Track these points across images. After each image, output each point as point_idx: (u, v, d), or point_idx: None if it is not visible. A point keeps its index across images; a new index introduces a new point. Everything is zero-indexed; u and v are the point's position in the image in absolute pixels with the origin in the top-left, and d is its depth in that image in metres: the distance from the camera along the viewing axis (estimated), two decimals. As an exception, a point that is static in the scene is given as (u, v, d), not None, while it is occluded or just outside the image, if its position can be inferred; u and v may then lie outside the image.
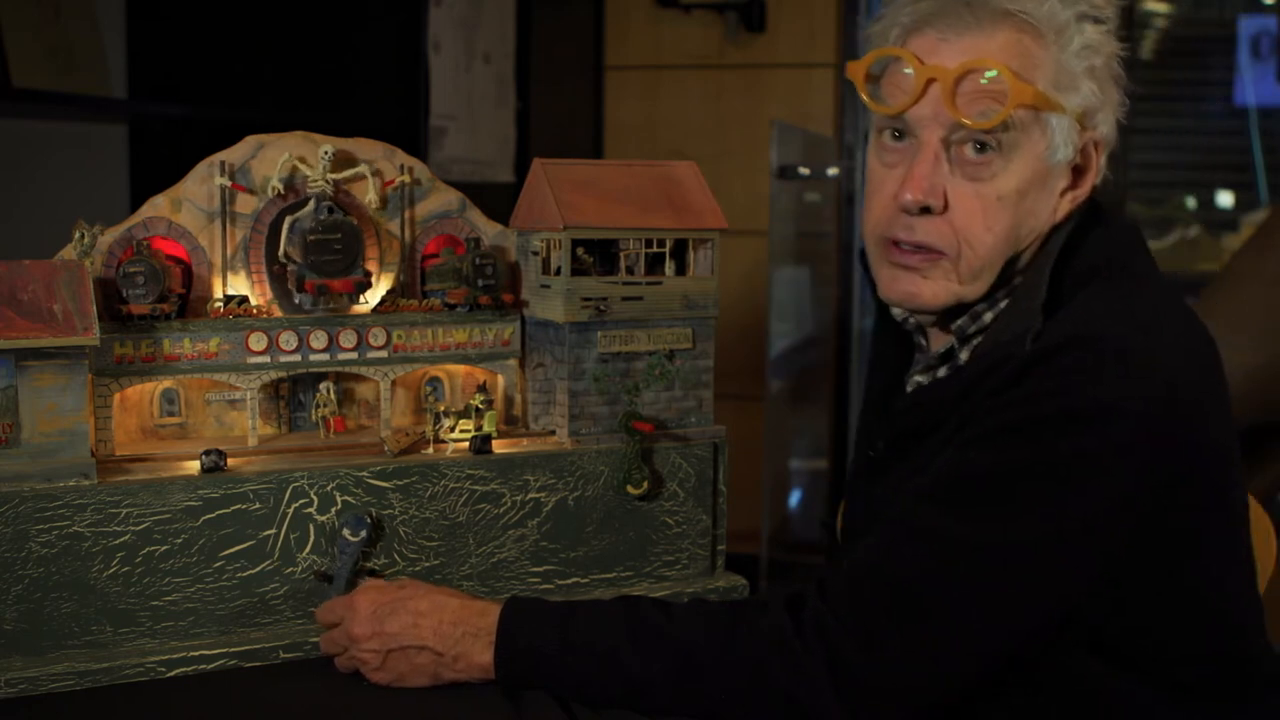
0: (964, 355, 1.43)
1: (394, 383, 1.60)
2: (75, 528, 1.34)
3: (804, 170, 3.46)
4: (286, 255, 1.53)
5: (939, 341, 1.48)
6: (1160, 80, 4.21)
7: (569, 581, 1.57)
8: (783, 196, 3.50)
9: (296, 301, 1.55)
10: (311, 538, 1.44)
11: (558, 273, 1.57)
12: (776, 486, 3.74)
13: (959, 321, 1.43)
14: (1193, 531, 1.32)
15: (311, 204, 1.54)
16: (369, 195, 1.57)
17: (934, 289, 1.39)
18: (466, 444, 1.54)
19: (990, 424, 1.30)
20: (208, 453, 1.43)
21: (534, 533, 1.55)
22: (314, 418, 1.59)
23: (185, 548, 1.39)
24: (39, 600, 1.34)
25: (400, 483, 1.48)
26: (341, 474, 1.45)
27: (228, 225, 1.54)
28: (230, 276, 1.54)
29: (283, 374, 1.55)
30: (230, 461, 1.44)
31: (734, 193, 3.54)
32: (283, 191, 1.54)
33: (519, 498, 1.53)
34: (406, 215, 1.62)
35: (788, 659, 1.27)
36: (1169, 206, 4.23)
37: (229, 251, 1.54)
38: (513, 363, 1.65)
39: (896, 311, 1.52)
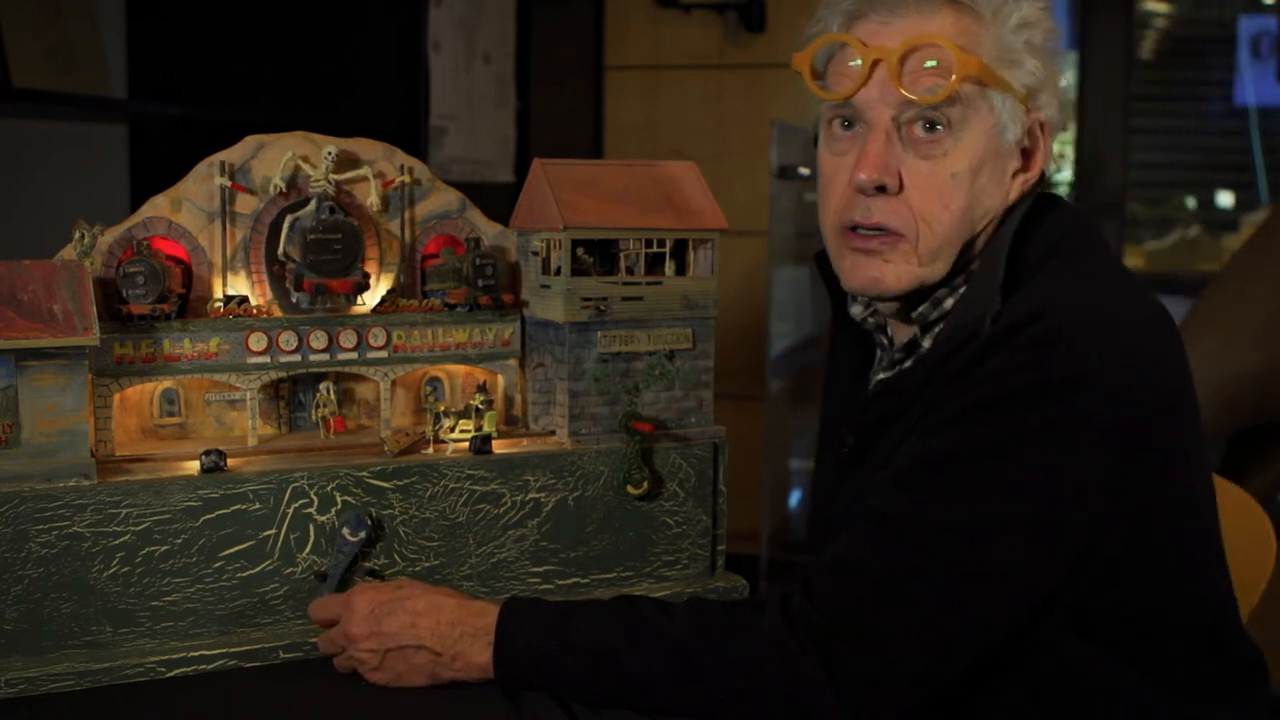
0: (927, 343, 1.44)
1: (394, 383, 1.60)
2: (75, 528, 1.34)
3: (804, 170, 3.46)
4: (286, 254, 1.53)
5: (902, 334, 1.49)
6: (1160, 80, 4.21)
7: (569, 581, 1.57)
8: (783, 196, 3.50)
9: (294, 300, 1.55)
10: (311, 538, 1.44)
11: (558, 273, 1.57)
12: (776, 486, 3.74)
13: (920, 309, 1.44)
14: (1166, 505, 1.33)
15: (313, 204, 1.54)
16: (371, 197, 1.57)
17: (896, 273, 1.40)
18: (466, 444, 1.54)
19: (957, 405, 1.31)
20: (208, 453, 1.43)
21: (534, 533, 1.55)
22: (314, 418, 1.59)
23: (185, 548, 1.39)
24: (39, 600, 1.34)
25: (400, 483, 1.48)
26: (341, 474, 1.45)
27: (228, 225, 1.54)
28: (230, 276, 1.54)
29: (283, 374, 1.55)
30: (230, 461, 1.44)
31: (734, 193, 3.54)
32: (284, 190, 1.54)
33: (519, 498, 1.53)
34: (406, 215, 1.62)
35: (785, 659, 1.27)
36: (1169, 206, 4.23)
37: (229, 251, 1.54)
38: (513, 363, 1.65)
39: (855, 310, 1.53)
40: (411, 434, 1.55)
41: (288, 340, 1.53)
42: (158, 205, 1.52)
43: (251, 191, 1.54)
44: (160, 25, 3.05)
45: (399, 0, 3.02)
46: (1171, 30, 4.22)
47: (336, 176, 1.55)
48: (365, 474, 1.46)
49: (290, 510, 1.43)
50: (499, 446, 1.55)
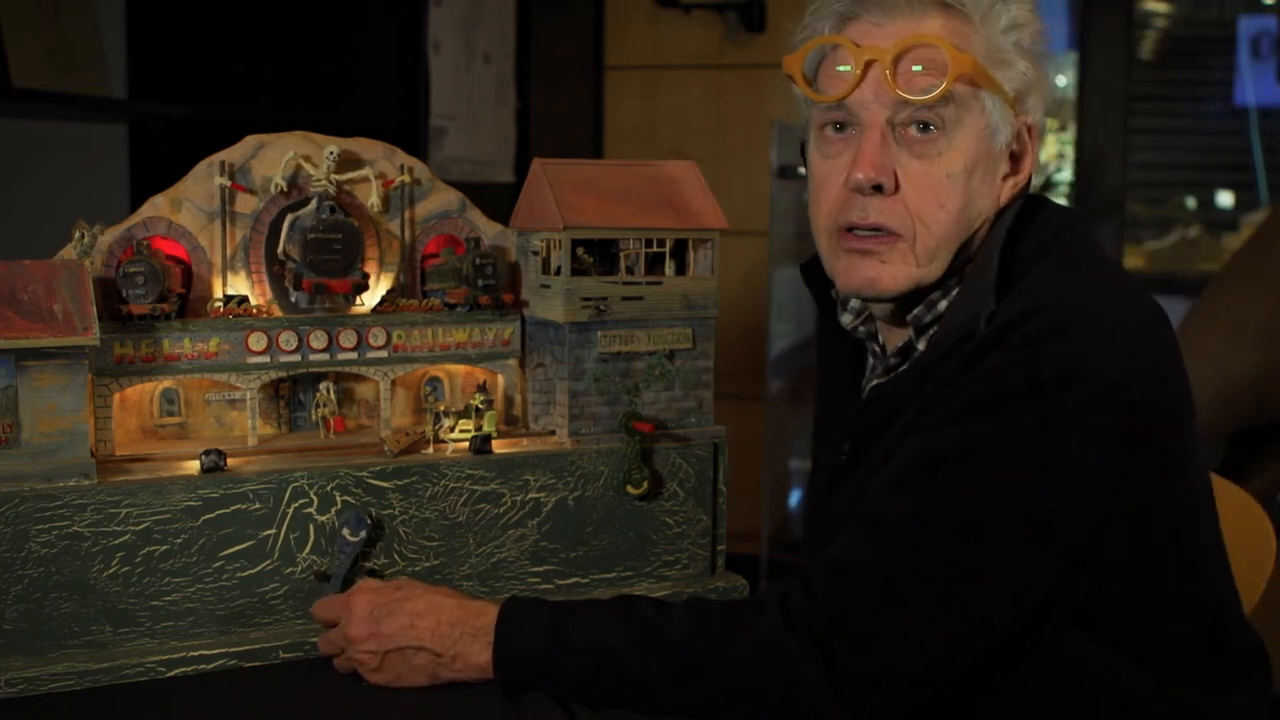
0: (921, 345, 1.44)
1: (394, 383, 1.60)
2: (75, 528, 1.34)
3: (804, 170, 3.46)
4: (285, 253, 1.53)
5: (895, 339, 1.48)
6: (1160, 80, 4.21)
7: (569, 581, 1.57)
8: (783, 196, 3.50)
9: (293, 299, 1.55)
10: (311, 538, 1.44)
11: (558, 273, 1.57)
12: (776, 486, 3.74)
13: (915, 311, 1.44)
14: (1164, 499, 1.33)
15: (313, 203, 1.54)
16: (371, 197, 1.57)
17: (893, 273, 1.40)
18: (466, 444, 1.54)
19: (953, 404, 1.31)
20: (208, 453, 1.43)
21: (534, 533, 1.55)
22: (314, 418, 1.59)
23: (185, 548, 1.39)
24: (39, 600, 1.34)
25: (400, 483, 1.48)
26: (341, 474, 1.45)
27: (228, 225, 1.54)
28: (230, 276, 1.54)
29: (283, 374, 1.55)
30: (230, 461, 1.44)
31: (734, 193, 3.54)
32: (285, 190, 1.54)
33: (519, 498, 1.53)
34: (406, 215, 1.62)
35: (785, 659, 1.27)
36: (1169, 206, 4.23)
37: (229, 251, 1.54)
38: (513, 363, 1.65)
39: (846, 320, 1.53)
40: (411, 434, 1.55)
41: (288, 340, 1.53)
42: (158, 205, 1.52)
43: (251, 191, 1.54)
44: (160, 25, 3.05)
45: (399, 0, 3.02)
46: (1171, 30, 4.22)
47: (338, 176, 1.55)
48: (365, 474, 1.46)
49: (290, 510, 1.43)
50: (499, 446, 1.55)
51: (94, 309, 1.35)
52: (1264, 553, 1.71)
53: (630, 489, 1.58)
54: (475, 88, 3.30)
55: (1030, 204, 1.45)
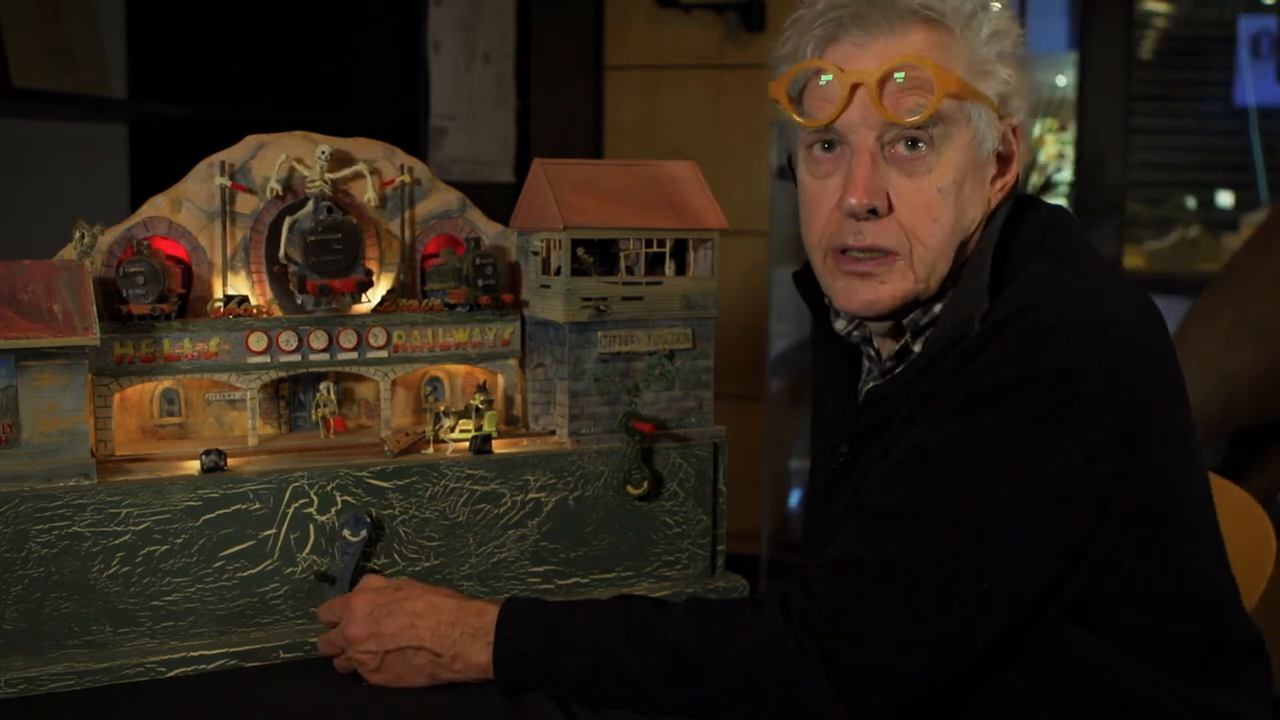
0: (918, 348, 1.45)
1: (394, 383, 1.60)
2: (75, 528, 1.34)
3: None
4: (287, 256, 1.53)
5: (891, 343, 1.49)
6: (1160, 80, 4.21)
7: (569, 581, 1.57)
8: (783, 196, 3.50)
9: (299, 302, 1.55)
10: (311, 538, 1.44)
11: (558, 273, 1.57)
12: (776, 486, 3.74)
13: (910, 316, 1.44)
14: (1161, 495, 1.34)
15: (310, 204, 1.54)
16: (368, 194, 1.57)
17: (892, 291, 1.41)
18: (466, 444, 1.54)
19: (948, 400, 1.31)
20: (208, 453, 1.43)
21: (534, 533, 1.55)
22: (314, 418, 1.59)
23: (185, 548, 1.39)
24: (39, 600, 1.34)
25: (400, 483, 1.48)
26: (341, 474, 1.45)
27: (228, 225, 1.54)
28: (230, 276, 1.54)
29: (283, 374, 1.55)
30: (230, 461, 1.44)
31: (734, 193, 3.54)
32: (281, 193, 1.54)
33: (519, 498, 1.53)
34: (406, 215, 1.62)
35: (785, 658, 1.27)
36: (1169, 206, 4.23)
37: (229, 251, 1.54)
38: (513, 363, 1.65)
39: (840, 325, 1.54)
40: (411, 434, 1.55)
41: (288, 340, 1.53)
42: (158, 205, 1.52)
43: (251, 191, 1.54)
44: (160, 25, 3.05)
45: (399, 0, 3.02)
46: (1171, 30, 4.22)
47: (332, 175, 1.55)
48: (365, 474, 1.46)
49: (290, 510, 1.43)
50: (499, 446, 1.55)
51: (94, 309, 1.35)
52: (1264, 553, 1.71)
53: (630, 489, 1.58)
54: (475, 88, 3.30)
55: (1021, 204, 1.46)
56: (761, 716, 1.29)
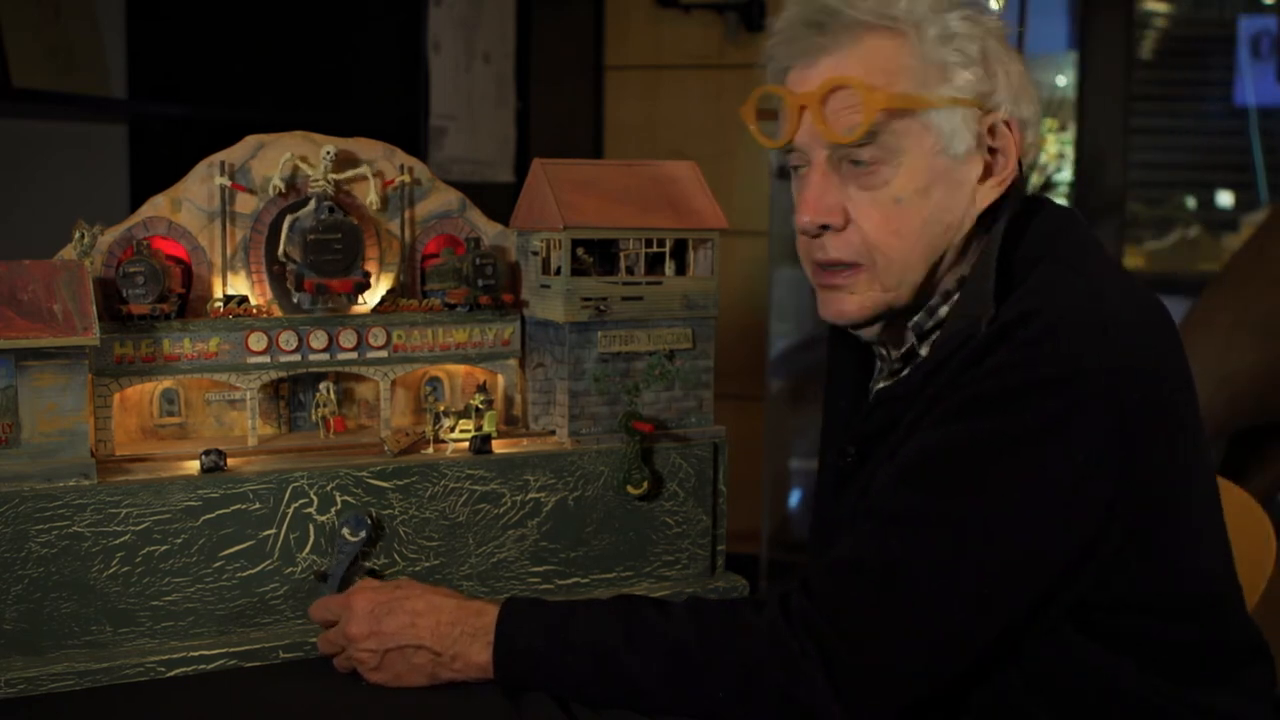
0: (924, 351, 1.45)
1: (394, 383, 1.60)
2: (75, 528, 1.34)
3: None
4: (286, 254, 1.53)
5: (900, 344, 1.49)
6: (1160, 80, 4.21)
7: (569, 581, 1.57)
8: (783, 196, 3.50)
9: (295, 301, 1.55)
10: (311, 538, 1.44)
11: (558, 273, 1.57)
12: (776, 486, 3.74)
13: (916, 319, 1.46)
14: (1165, 497, 1.33)
15: (312, 204, 1.54)
16: (370, 196, 1.57)
17: (860, 302, 1.43)
18: (466, 444, 1.54)
19: (953, 403, 1.32)
20: (208, 453, 1.43)
21: (534, 533, 1.55)
22: (314, 418, 1.59)
23: (185, 548, 1.39)
24: (39, 600, 1.34)
25: (400, 483, 1.48)
26: (341, 474, 1.45)
27: (228, 225, 1.54)
28: (230, 276, 1.54)
29: (283, 374, 1.55)
30: (230, 461, 1.44)
31: (734, 193, 3.54)
32: (283, 191, 1.54)
33: (519, 498, 1.53)
34: (406, 215, 1.62)
35: (785, 658, 1.27)
36: (1169, 206, 4.23)
37: (229, 251, 1.54)
38: (513, 363, 1.65)
39: None
40: (411, 434, 1.55)
41: (288, 340, 1.53)
42: (158, 205, 1.52)
43: (251, 191, 1.54)
44: (160, 25, 3.05)
45: (399, 0, 3.02)
46: (1171, 30, 4.23)
47: (335, 176, 1.55)
48: (365, 474, 1.46)
49: (290, 510, 1.43)
50: (499, 446, 1.55)
51: (94, 309, 1.35)
52: (1264, 553, 1.71)
53: (630, 489, 1.58)
54: (475, 88, 3.30)
55: (1028, 206, 1.45)
56: (761, 716, 1.29)
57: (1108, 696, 1.34)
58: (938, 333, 1.43)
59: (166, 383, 1.54)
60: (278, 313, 1.54)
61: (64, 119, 2.92)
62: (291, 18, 2.98)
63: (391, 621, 1.34)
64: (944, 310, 1.44)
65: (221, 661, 1.39)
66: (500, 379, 1.66)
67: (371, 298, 1.59)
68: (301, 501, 1.43)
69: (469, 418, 1.55)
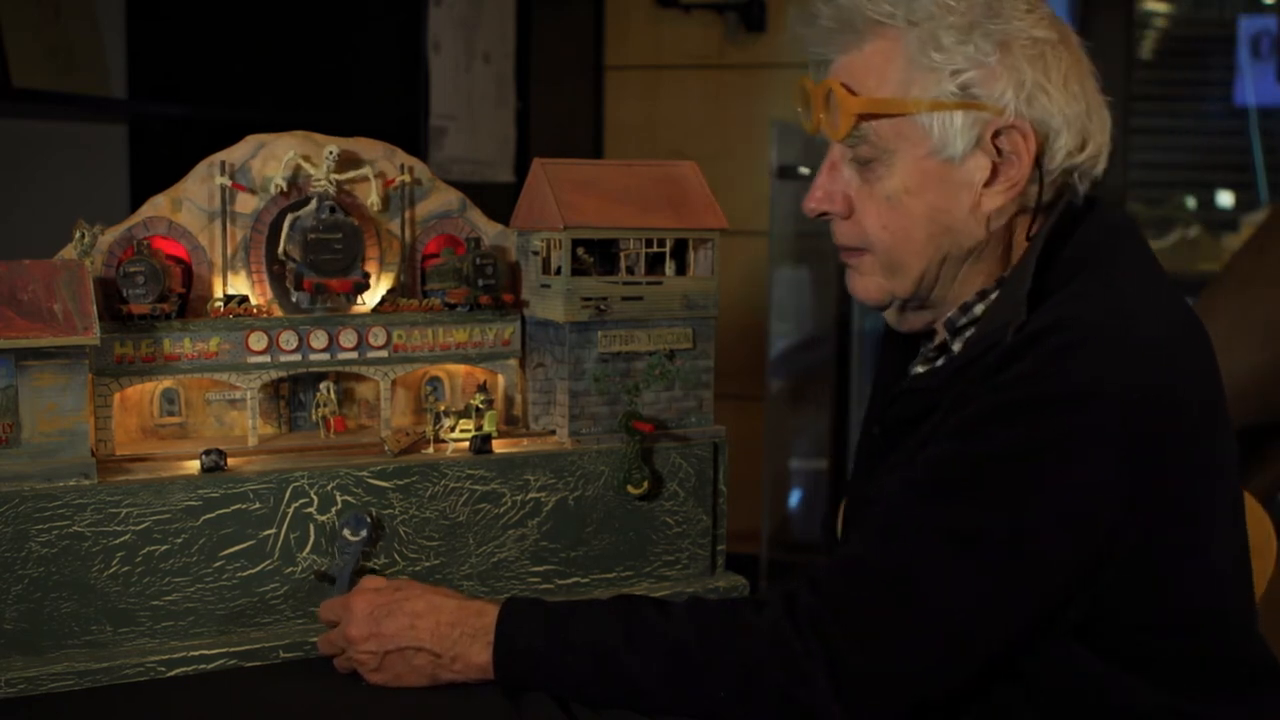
0: (956, 346, 1.46)
1: (394, 383, 1.60)
2: (75, 528, 1.34)
3: (804, 170, 3.46)
4: (286, 253, 1.53)
5: (933, 337, 1.52)
6: (1160, 80, 4.21)
7: (569, 581, 1.57)
8: (783, 196, 3.50)
9: (294, 299, 1.55)
10: (311, 538, 1.44)
11: (558, 273, 1.57)
12: (776, 486, 3.74)
13: (950, 314, 1.46)
14: (1179, 516, 1.32)
15: (313, 203, 1.54)
16: (371, 197, 1.57)
17: (865, 283, 1.49)
18: (466, 444, 1.54)
19: (973, 411, 1.32)
20: (208, 452, 1.43)
21: (534, 533, 1.55)
22: (314, 418, 1.59)
23: (185, 547, 1.39)
24: (39, 600, 1.34)
25: (400, 483, 1.48)
26: (341, 474, 1.45)
27: (228, 225, 1.54)
28: (230, 276, 1.54)
29: (283, 374, 1.55)
30: (230, 461, 1.44)
31: (734, 193, 3.54)
32: (285, 190, 1.54)
33: (519, 498, 1.53)
34: (407, 215, 1.62)
35: (785, 657, 1.27)
36: (1169, 206, 4.23)
37: (229, 251, 1.54)
38: (513, 363, 1.65)
39: None
40: (411, 434, 1.55)
41: (288, 340, 1.53)
42: (158, 205, 1.52)
43: (252, 191, 1.54)
44: (160, 25, 3.05)
45: (399, 0, 3.01)
46: (1171, 30, 4.22)
47: (338, 176, 1.55)
48: (365, 474, 1.46)
49: (290, 510, 1.43)
50: (499, 446, 1.55)
51: (94, 309, 1.35)
52: (1264, 553, 1.71)
53: (630, 489, 1.58)
54: (475, 88, 3.29)
55: (1078, 212, 1.43)
56: (761, 716, 1.28)
57: (1109, 713, 1.34)
58: (971, 330, 1.44)
59: (167, 382, 1.54)
60: (278, 312, 1.54)
61: (64, 119, 2.92)
62: (291, 18, 2.98)
63: (391, 624, 1.34)
64: (979, 309, 1.44)
65: (221, 661, 1.39)
66: (500, 379, 1.66)
67: (371, 297, 1.59)
68: (302, 501, 1.43)
69: (469, 418, 1.55)
